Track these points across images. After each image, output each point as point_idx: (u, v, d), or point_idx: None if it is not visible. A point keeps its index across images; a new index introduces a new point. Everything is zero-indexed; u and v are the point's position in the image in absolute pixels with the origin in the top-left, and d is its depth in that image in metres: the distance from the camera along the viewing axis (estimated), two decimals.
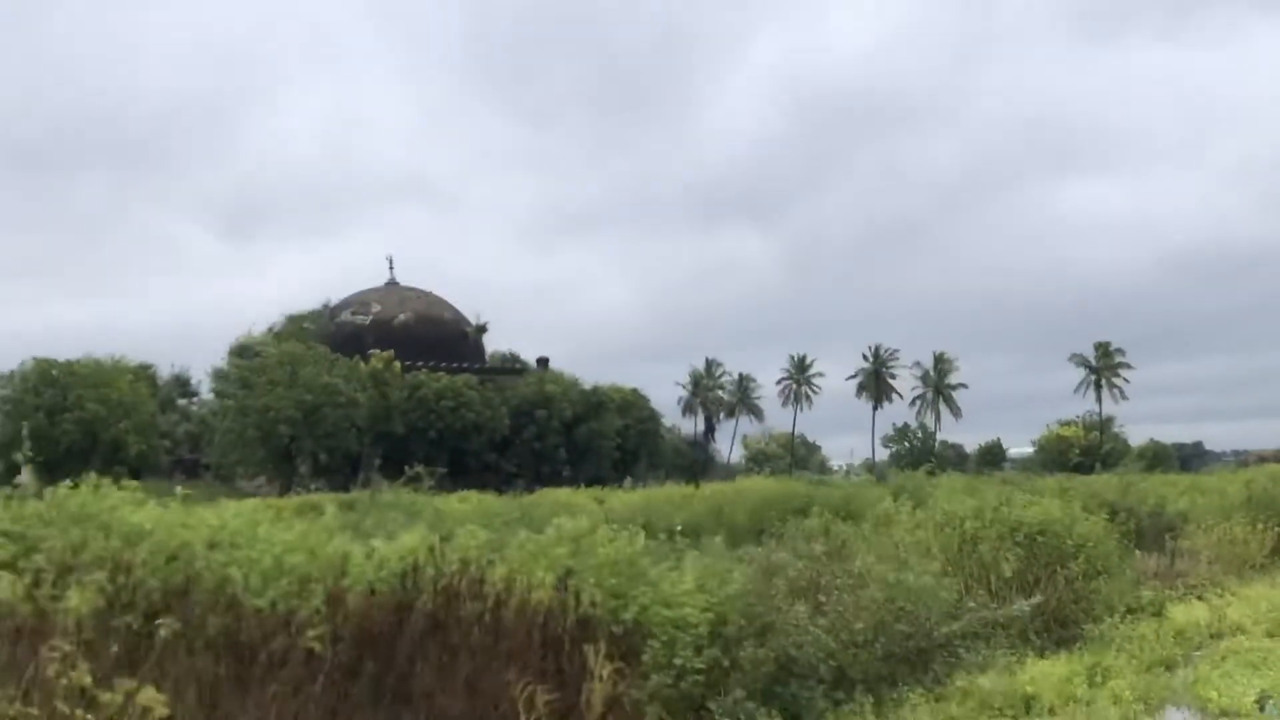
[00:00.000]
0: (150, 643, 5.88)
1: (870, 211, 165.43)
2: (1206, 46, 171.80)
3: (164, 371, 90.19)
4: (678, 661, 8.68)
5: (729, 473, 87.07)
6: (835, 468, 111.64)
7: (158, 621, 5.72)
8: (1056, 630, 14.28)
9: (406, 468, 50.13)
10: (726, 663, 9.80)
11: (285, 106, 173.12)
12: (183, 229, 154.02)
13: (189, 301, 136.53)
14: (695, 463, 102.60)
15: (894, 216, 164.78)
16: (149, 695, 4.74)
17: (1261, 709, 11.05)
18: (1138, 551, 23.11)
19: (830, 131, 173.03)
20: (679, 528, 26.26)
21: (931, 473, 38.76)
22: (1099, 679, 12.26)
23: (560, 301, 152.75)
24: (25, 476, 59.32)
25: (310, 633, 6.26)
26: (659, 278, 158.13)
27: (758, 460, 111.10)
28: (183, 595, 6.15)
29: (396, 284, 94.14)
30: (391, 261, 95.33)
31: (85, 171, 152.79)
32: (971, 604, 12.89)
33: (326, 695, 6.15)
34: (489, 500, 39.61)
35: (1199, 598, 18.53)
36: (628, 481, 47.25)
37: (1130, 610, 15.56)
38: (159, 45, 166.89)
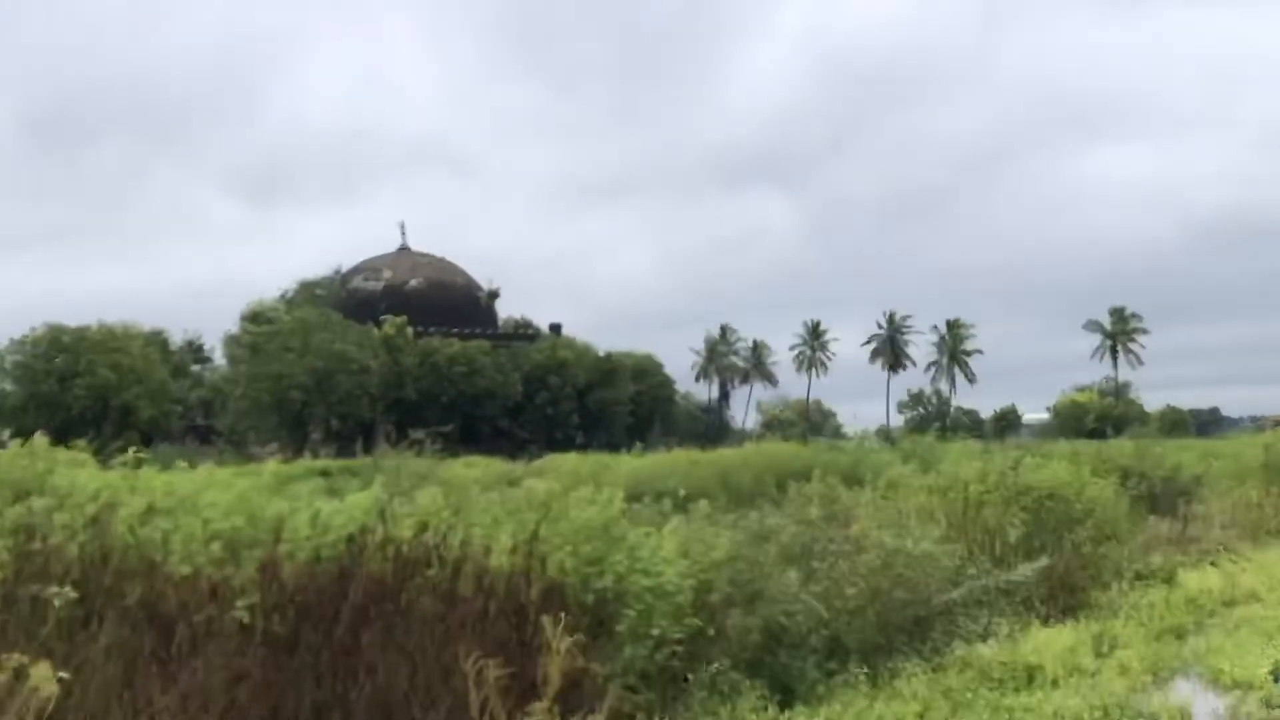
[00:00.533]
0: (70, 616, 5.42)
1: (892, 178, 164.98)
2: (1231, 4, 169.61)
3: (177, 338, 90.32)
4: (654, 631, 8.19)
5: (743, 439, 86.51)
6: (850, 434, 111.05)
7: (51, 590, 5.23)
8: (1063, 597, 13.73)
9: (411, 433, 49.83)
10: (711, 632, 9.32)
11: (310, 72, 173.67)
12: (206, 196, 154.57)
13: (212, 268, 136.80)
14: (709, 428, 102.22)
15: (915, 183, 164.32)
16: (40, 671, 4.24)
17: (1276, 680, 10.53)
18: (1151, 517, 22.57)
19: (854, 98, 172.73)
20: (682, 493, 25.78)
21: (943, 437, 38.24)
22: (1106, 649, 11.72)
23: (580, 268, 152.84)
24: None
25: (240, 603, 5.78)
26: (679, 244, 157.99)
27: (772, 426, 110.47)
28: (101, 563, 5.67)
29: (409, 249, 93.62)
30: (403, 227, 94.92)
31: (110, 138, 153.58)
32: (972, 570, 12.34)
33: (259, 670, 5.66)
34: (496, 465, 39.24)
35: (1212, 563, 17.99)
36: (637, 446, 46.63)
37: (1140, 577, 15.02)
38: (186, 13, 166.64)
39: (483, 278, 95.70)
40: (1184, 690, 10.45)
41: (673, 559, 8.79)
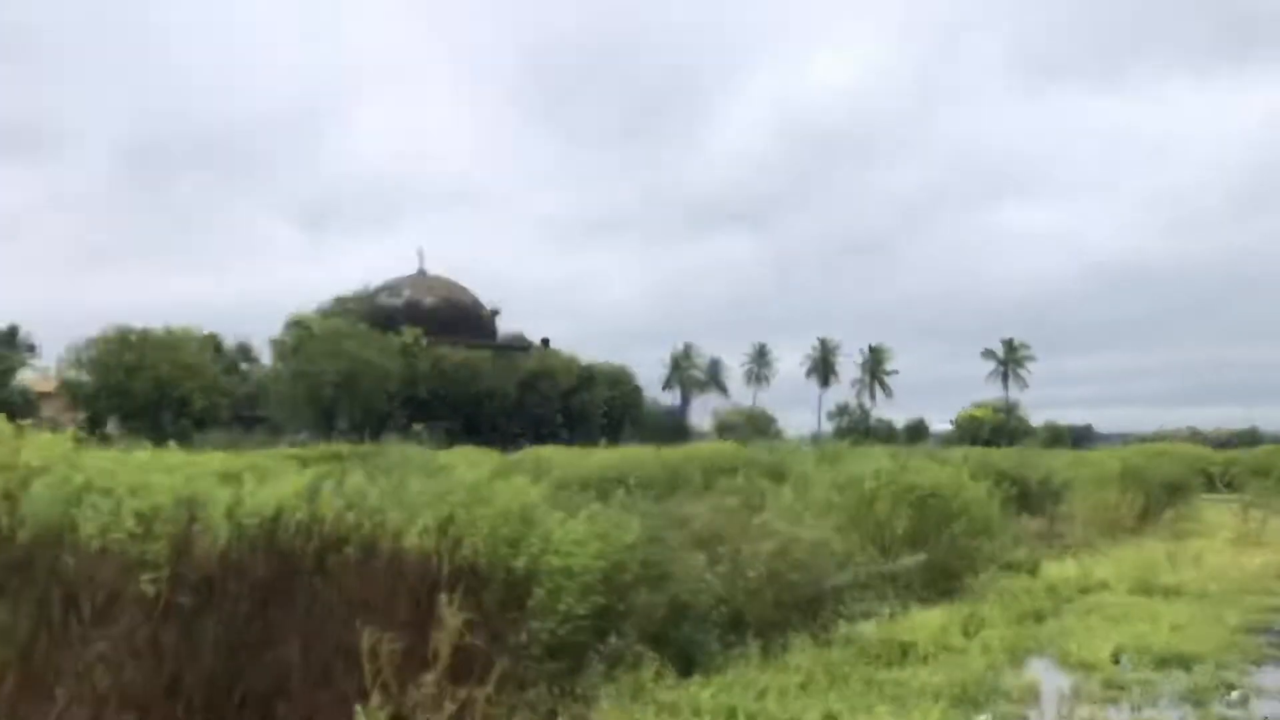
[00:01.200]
0: None
1: (838, 224, 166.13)
2: (1131, 95, 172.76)
3: (232, 342, 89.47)
4: (561, 607, 7.55)
5: (700, 439, 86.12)
6: (789, 437, 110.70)
7: None
8: (941, 583, 13.15)
9: (415, 425, 48.90)
10: (621, 608, 8.68)
11: (363, 120, 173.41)
12: (269, 222, 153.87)
13: (270, 284, 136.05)
14: (672, 430, 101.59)
15: (857, 228, 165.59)
16: None
17: (1116, 662, 9.97)
18: (1025, 514, 22.02)
19: (811, 154, 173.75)
20: (632, 481, 24.96)
21: (856, 442, 37.67)
22: (973, 629, 11.12)
23: (576, 291, 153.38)
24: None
25: (146, 576, 5.12)
26: (658, 274, 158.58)
27: (724, 430, 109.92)
28: (10, 537, 5.02)
29: (425, 272, 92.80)
30: (421, 253, 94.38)
31: (192, 170, 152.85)
32: (860, 558, 11.72)
33: (160, 643, 5.01)
34: (483, 453, 38.37)
35: (1074, 556, 17.44)
36: (602, 442, 45.97)
37: (1010, 566, 14.44)
38: (263, 67, 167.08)
39: (497, 298, 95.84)
40: (1036, 669, 9.85)
41: (585, 541, 8.13)
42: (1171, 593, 13.78)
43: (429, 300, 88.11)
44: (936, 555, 13.27)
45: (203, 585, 5.27)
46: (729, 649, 9.37)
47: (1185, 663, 9.87)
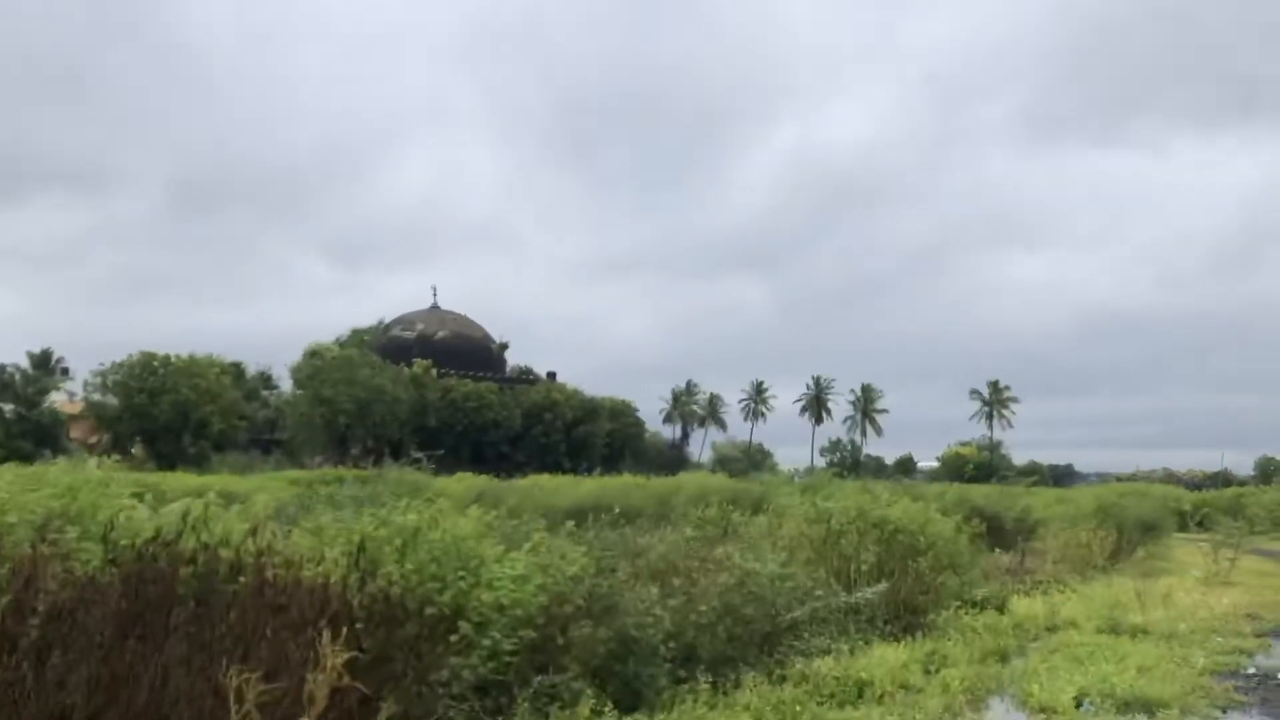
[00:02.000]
0: None
1: (844, 268, 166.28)
2: (1129, 150, 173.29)
3: (254, 369, 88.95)
4: (487, 643, 6.76)
5: (696, 470, 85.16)
6: (783, 471, 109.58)
7: None
8: (906, 617, 12.29)
9: (413, 452, 48.09)
10: (561, 642, 7.89)
11: (399, 161, 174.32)
12: (304, 257, 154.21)
13: (303, 316, 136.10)
14: (671, 461, 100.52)
15: (862, 273, 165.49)
16: None
17: (1078, 706, 9.12)
18: (998, 549, 21.11)
19: (822, 202, 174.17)
20: (616, 510, 24.07)
21: (841, 475, 36.70)
22: (934, 667, 10.27)
23: (592, 327, 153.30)
24: None
25: None
26: (668, 314, 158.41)
27: (722, 462, 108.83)
28: None
29: (438, 308, 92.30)
30: (435, 290, 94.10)
31: (234, 205, 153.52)
32: (819, 591, 10.87)
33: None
34: (480, 480, 37.50)
35: (1044, 593, 16.55)
36: (595, 471, 45.15)
37: (977, 603, 13.55)
38: (304, 108, 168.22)
39: (499, 332, 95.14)
40: (996, 711, 9.01)
41: (525, 575, 7.35)
42: (1139, 632, 12.92)
43: (440, 334, 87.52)
44: (901, 589, 12.45)
45: (53, 615, 4.52)
46: (679, 685, 8.57)
47: (1149, 707, 9.06)
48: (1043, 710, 8.91)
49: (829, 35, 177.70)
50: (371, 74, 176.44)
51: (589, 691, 7.57)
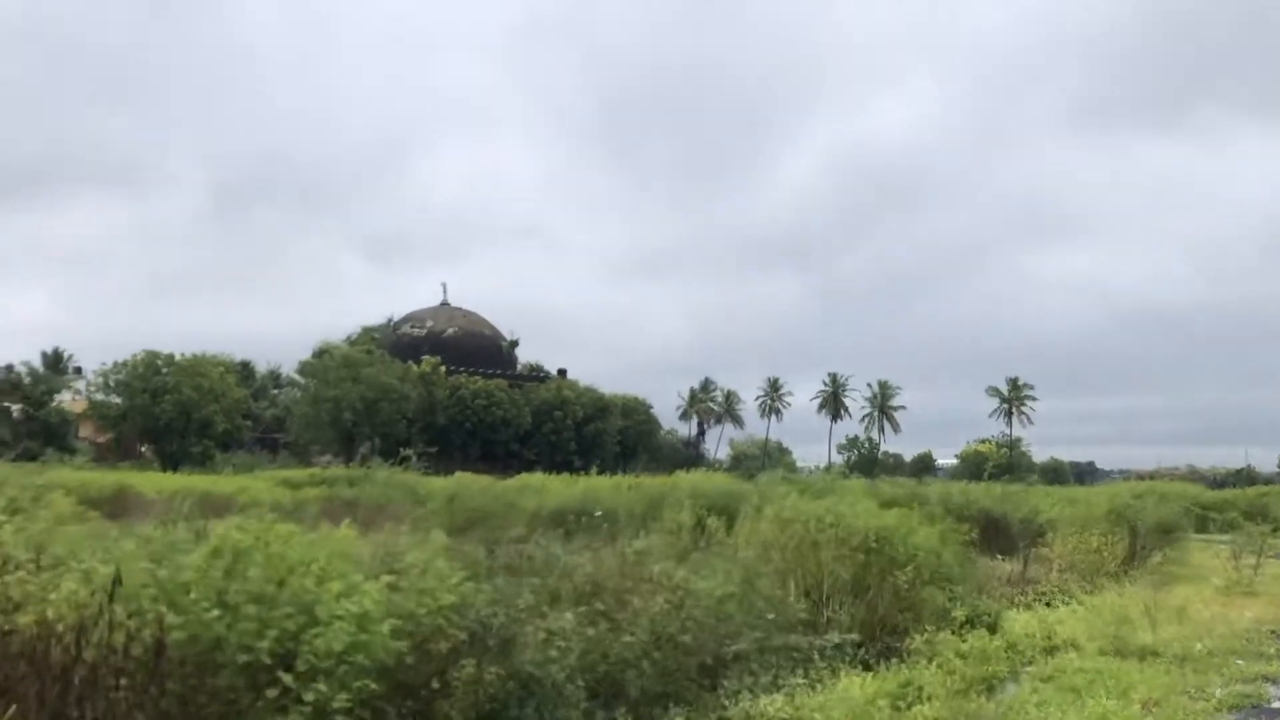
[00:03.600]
0: None
1: (883, 266, 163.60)
2: (1186, 140, 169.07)
3: (263, 367, 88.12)
4: (310, 698, 5.38)
5: (712, 468, 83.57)
6: (801, 469, 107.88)
7: None
8: (883, 640, 10.84)
9: (408, 451, 46.85)
10: (435, 685, 6.52)
11: (438, 159, 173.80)
12: (342, 255, 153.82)
13: (337, 313, 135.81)
14: (687, 459, 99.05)
15: (901, 270, 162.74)
16: None
17: None
18: (1000, 556, 19.58)
19: (864, 198, 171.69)
20: (598, 513, 22.41)
21: (845, 475, 35.17)
22: (906, 703, 8.81)
23: (627, 325, 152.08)
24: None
25: None
26: (702, 311, 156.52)
27: (739, 460, 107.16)
28: None
29: (448, 304, 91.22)
30: (445, 287, 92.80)
31: (274, 204, 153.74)
32: (770, 614, 9.41)
33: None
34: (475, 479, 36.17)
35: (1047, 604, 15.03)
36: (595, 470, 43.84)
37: (967, 621, 12.04)
38: (345, 108, 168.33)
39: (519, 330, 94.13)
40: None
41: (367, 616, 5.94)
42: (1149, 654, 11.41)
43: (450, 331, 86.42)
44: (879, 607, 11.00)
45: None
46: None
47: None
48: None
49: (872, 26, 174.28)
50: (416, 70, 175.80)
51: None
